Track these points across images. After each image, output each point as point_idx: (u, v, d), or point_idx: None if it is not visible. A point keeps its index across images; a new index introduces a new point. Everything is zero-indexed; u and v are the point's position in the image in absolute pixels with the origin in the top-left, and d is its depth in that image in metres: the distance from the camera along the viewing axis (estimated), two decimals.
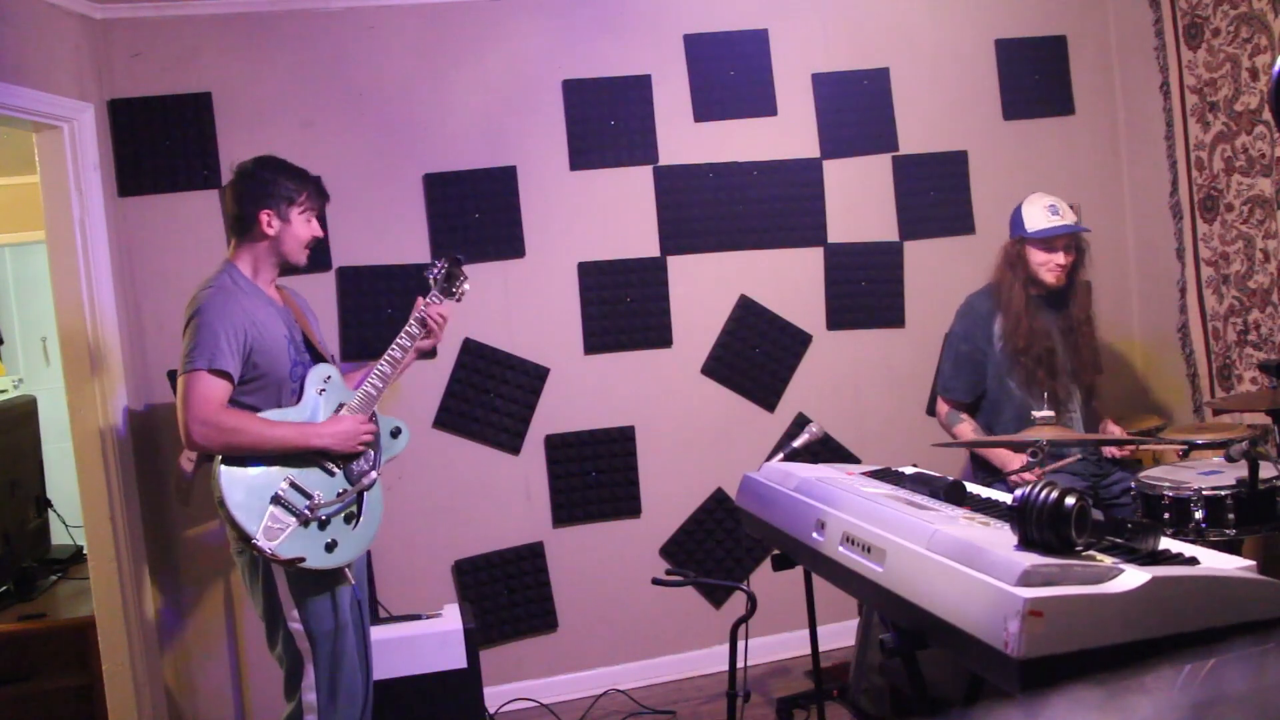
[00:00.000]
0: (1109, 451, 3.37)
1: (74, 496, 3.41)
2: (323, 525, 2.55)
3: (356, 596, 2.68)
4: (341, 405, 2.68)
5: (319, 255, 3.65)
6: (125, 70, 3.53)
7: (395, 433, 2.81)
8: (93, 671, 3.37)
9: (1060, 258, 3.36)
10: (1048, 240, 3.36)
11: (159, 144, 3.55)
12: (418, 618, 3.30)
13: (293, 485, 2.53)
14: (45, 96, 3.21)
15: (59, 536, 4.18)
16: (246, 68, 3.61)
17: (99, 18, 3.48)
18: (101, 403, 3.34)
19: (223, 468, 2.48)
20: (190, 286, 3.51)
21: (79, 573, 3.80)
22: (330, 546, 2.55)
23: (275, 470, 2.53)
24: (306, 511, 2.52)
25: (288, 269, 2.75)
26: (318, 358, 2.75)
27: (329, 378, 2.70)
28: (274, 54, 3.63)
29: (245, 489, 2.48)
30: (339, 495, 2.60)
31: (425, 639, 3.19)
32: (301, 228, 2.70)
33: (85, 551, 3.52)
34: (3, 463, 3.75)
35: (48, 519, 4.10)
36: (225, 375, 2.51)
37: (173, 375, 3.26)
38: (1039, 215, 3.38)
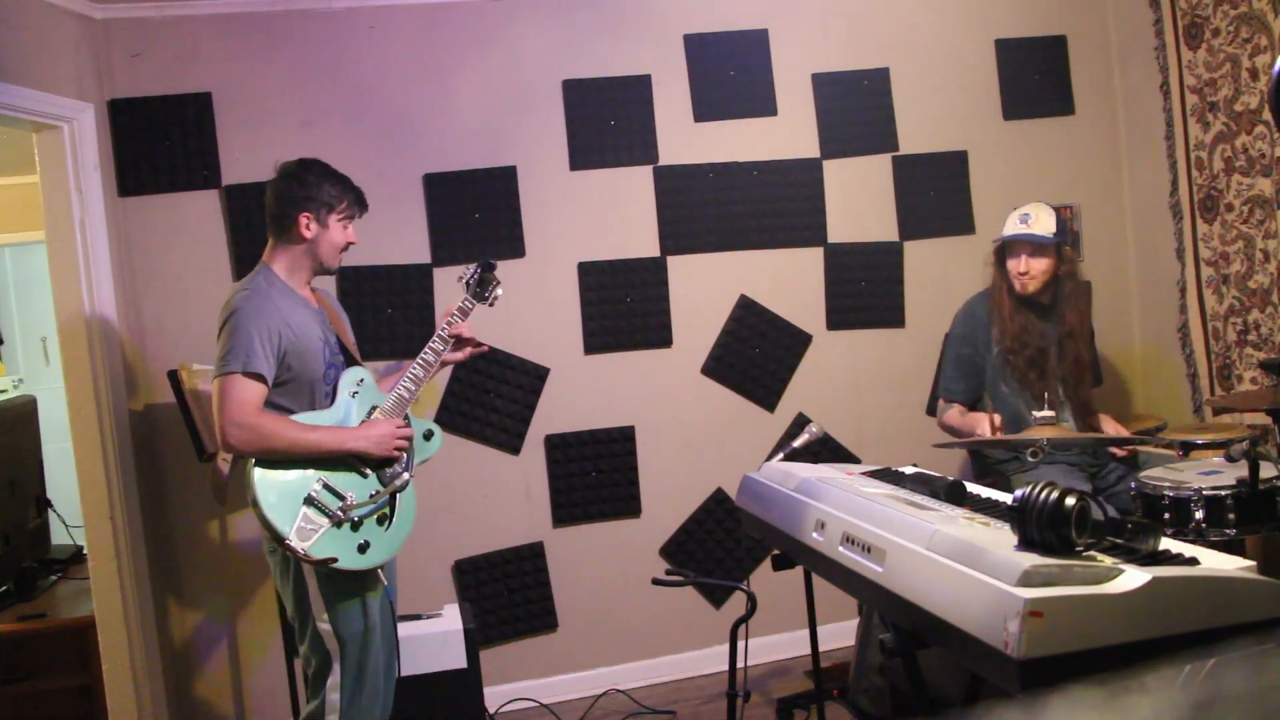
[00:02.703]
0: (1112, 451, 3.37)
1: (74, 496, 3.41)
2: (355, 526, 2.55)
3: (389, 598, 2.69)
4: (374, 408, 2.69)
5: None
6: (125, 70, 3.52)
7: (428, 435, 2.82)
8: (93, 671, 3.37)
9: (1022, 265, 3.35)
10: (1012, 247, 3.37)
11: (159, 144, 3.55)
12: (418, 618, 3.31)
13: (325, 487, 2.53)
14: (45, 96, 3.21)
15: (59, 536, 4.18)
16: (246, 68, 3.61)
17: (99, 18, 3.48)
18: (101, 403, 3.34)
19: (256, 470, 2.48)
20: (190, 286, 3.55)
21: (79, 573, 3.80)
22: (363, 548, 2.54)
23: (309, 472, 2.52)
24: (339, 513, 2.51)
25: (322, 272, 2.77)
26: (351, 360, 2.76)
27: (362, 380, 2.71)
28: (274, 54, 3.63)
29: (279, 490, 2.48)
30: (371, 497, 2.59)
31: (425, 639, 3.19)
32: (338, 234, 2.72)
33: (85, 551, 3.52)
34: (3, 463, 3.75)
35: (48, 519, 4.10)
36: (260, 378, 2.51)
37: (173, 375, 3.26)
38: (1011, 222, 3.40)
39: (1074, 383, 3.38)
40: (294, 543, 2.44)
